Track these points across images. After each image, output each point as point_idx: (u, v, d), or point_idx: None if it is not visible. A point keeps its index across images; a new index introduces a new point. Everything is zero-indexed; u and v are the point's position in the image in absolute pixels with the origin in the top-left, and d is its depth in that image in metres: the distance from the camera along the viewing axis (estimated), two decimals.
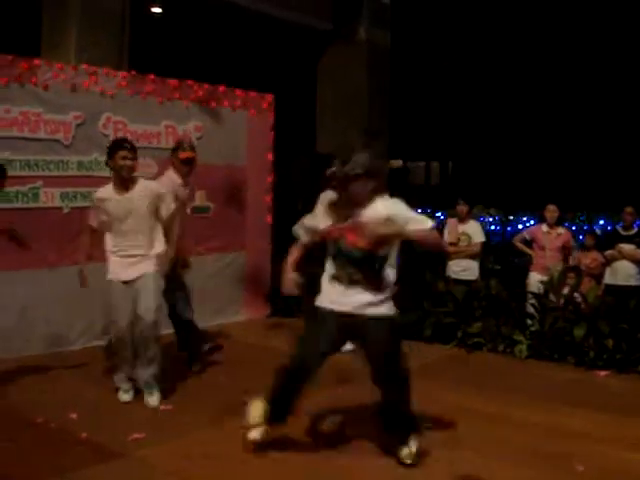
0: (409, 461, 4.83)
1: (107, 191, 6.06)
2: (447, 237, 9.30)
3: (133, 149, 6.02)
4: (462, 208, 9.27)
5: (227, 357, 7.66)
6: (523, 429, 5.66)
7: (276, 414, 4.98)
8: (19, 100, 7.33)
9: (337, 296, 4.81)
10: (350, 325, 4.79)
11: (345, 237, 4.77)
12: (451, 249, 9.21)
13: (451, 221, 9.52)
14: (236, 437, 5.29)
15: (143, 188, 6.06)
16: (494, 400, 6.33)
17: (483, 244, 9.27)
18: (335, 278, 4.83)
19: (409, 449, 4.86)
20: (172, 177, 6.87)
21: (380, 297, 4.84)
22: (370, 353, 4.86)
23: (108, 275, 6.02)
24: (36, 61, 7.65)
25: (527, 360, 7.88)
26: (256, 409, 4.99)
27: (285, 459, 4.98)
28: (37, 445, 5.13)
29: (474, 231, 9.24)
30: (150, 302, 5.95)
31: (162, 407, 5.95)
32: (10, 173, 7.16)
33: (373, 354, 4.84)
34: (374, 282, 4.81)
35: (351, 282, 4.78)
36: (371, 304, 4.79)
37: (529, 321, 8.31)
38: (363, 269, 4.76)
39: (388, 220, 4.60)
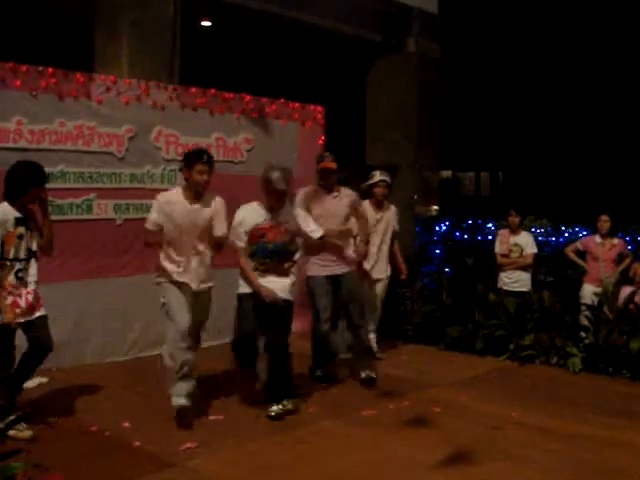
0: (274, 414, 5.94)
1: (176, 196, 5.97)
2: (498, 248, 9.21)
3: (210, 162, 5.92)
4: (514, 219, 9.17)
5: None
6: (577, 443, 5.57)
7: None
8: (73, 114, 7.45)
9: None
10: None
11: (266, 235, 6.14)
12: (503, 260, 9.12)
13: (503, 232, 9.41)
14: (288, 448, 5.32)
15: (211, 201, 6.04)
16: (547, 413, 6.24)
17: (535, 255, 9.15)
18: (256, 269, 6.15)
19: (281, 405, 6.01)
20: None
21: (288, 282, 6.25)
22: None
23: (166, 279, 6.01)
24: (90, 76, 7.78)
25: (581, 373, 7.75)
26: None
27: (336, 468, 4.97)
28: (91, 453, 5.19)
29: (526, 242, 9.13)
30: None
31: (213, 417, 5.97)
32: (64, 185, 7.36)
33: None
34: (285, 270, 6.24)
35: (266, 271, 6.15)
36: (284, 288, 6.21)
37: (583, 334, 8.18)
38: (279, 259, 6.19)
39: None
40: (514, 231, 9.20)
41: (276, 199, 6.25)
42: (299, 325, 8.32)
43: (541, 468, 5.03)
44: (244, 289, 6.22)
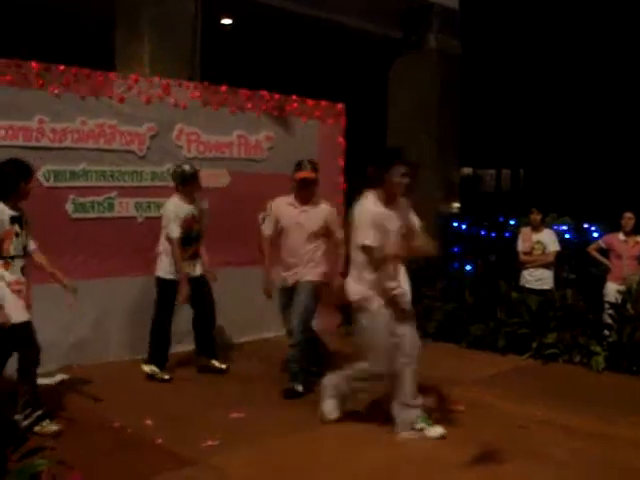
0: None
1: (374, 204, 5.44)
2: (521, 246, 9.16)
3: (412, 165, 5.55)
4: (536, 217, 9.12)
5: None
6: (601, 442, 5.53)
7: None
8: (95, 112, 7.47)
9: None
10: None
11: None
12: (525, 258, 9.07)
13: (525, 230, 9.36)
14: (309, 447, 5.31)
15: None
16: (570, 412, 6.19)
17: (557, 253, 9.09)
18: None
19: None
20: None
21: None
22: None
23: None
24: (111, 74, 7.80)
25: (604, 372, 7.69)
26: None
27: (358, 467, 4.95)
28: (113, 450, 5.21)
29: (548, 240, 9.07)
30: None
31: (234, 414, 5.97)
32: (86, 184, 7.38)
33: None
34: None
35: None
36: None
37: (606, 332, 8.11)
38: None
39: None
40: (536, 228, 9.15)
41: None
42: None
43: (565, 467, 4.99)
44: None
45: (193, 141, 8.23)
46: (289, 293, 6.79)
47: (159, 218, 7.22)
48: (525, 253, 9.10)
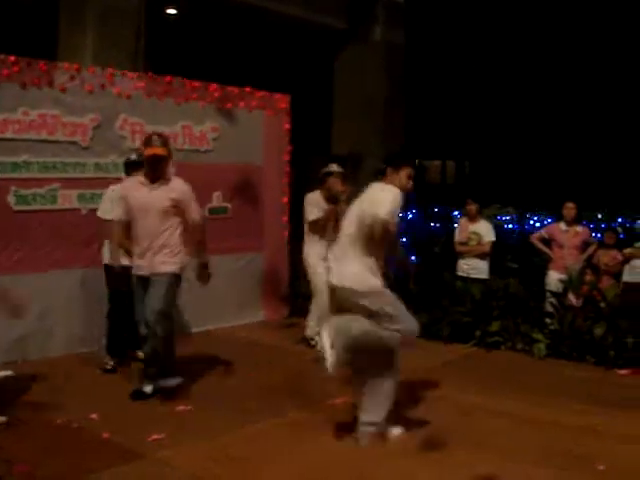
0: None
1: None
2: (457, 236, 9.31)
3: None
4: (471, 207, 9.27)
5: (246, 358, 7.64)
6: (542, 428, 5.64)
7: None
8: (37, 103, 7.35)
9: None
10: None
11: None
12: (461, 248, 9.22)
13: (462, 220, 9.52)
14: (257, 438, 5.32)
15: None
16: (513, 399, 6.30)
17: (493, 243, 9.22)
18: None
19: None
20: None
21: None
22: None
23: None
24: (54, 64, 7.68)
25: (546, 359, 7.84)
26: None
27: (307, 459, 4.99)
28: (59, 445, 5.15)
29: (484, 230, 9.21)
30: None
31: (181, 407, 5.95)
32: (28, 175, 7.26)
33: None
34: None
35: None
36: None
37: (548, 320, 8.27)
38: None
39: None
40: (473, 219, 9.28)
41: None
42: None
43: (510, 454, 5.08)
44: None
45: (137, 132, 8.14)
46: (144, 283, 6.20)
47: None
48: (461, 243, 9.24)
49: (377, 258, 5.26)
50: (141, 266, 6.21)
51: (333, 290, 5.30)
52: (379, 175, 5.55)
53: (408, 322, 5.27)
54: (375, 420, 5.25)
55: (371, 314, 5.11)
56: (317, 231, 7.91)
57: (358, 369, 5.32)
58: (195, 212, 6.31)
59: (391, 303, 5.20)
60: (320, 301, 7.44)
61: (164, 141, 6.22)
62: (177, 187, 6.25)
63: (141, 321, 6.14)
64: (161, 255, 6.15)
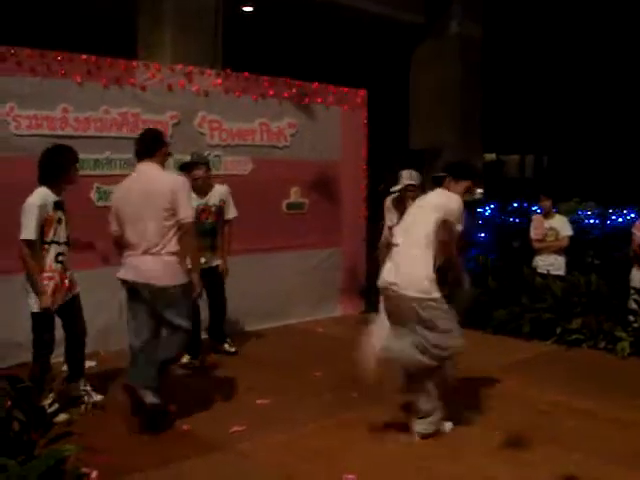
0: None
1: None
2: (533, 233, 9.17)
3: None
4: (545, 203, 9.13)
5: (321, 352, 7.67)
6: (626, 428, 5.50)
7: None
8: (117, 101, 7.50)
9: None
10: None
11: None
12: (539, 245, 9.07)
13: (537, 217, 9.37)
14: (335, 431, 5.33)
15: None
16: (595, 398, 6.14)
17: (570, 238, 9.04)
18: None
19: None
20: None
21: None
22: None
23: None
24: (133, 62, 7.82)
25: (629, 358, 7.62)
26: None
27: (384, 453, 4.97)
28: (140, 436, 5.24)
29: (561, 225, 9.04)
30: None
31: (259, 401, 5.99)
32: (110, 172, 7.40)
33: None
34: None
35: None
36: None
37: (632, 317, 8.05)
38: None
39: None
40: (547, 215, 9.14)
41: None
42: None
43: (590, 453, 4.96)
44: None
45: (215, 129, 8.23)
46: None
47: None
48: (538, 240, 9.08)
49: (438, 266, 5.19)
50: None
51: (389, 295, 5.25)
52: (437, 182, 5.48)
53: (456, 337, 5.19)
54: (426, 415, 5.21)
55: (421, 321, 5.05)
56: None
57: (408, 373, 5.28)
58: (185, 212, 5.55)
59: (443, 316, 5.12)
60: None
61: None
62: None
63: None
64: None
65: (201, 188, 7.10)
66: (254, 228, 8.26)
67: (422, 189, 7.23)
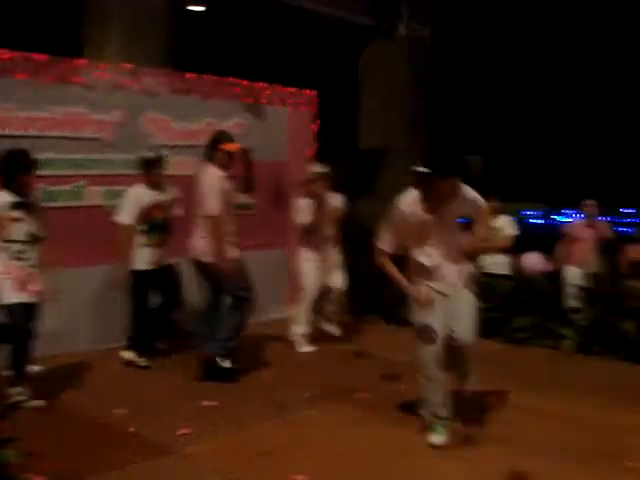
0: None
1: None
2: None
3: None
4: (491, 203, 9.23)
5: (269, 353, 7.67)
6: (575, 424, 5.58)
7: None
8: (62, 100, 7.40)
9: None
10: None
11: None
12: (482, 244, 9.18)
13: None
14: (284, 432, 5.31)
15: None
16: (543, 395, 6.23)
17: (514, 238, 9.16)
18: None
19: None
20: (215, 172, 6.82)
21: None
22: None
23: None
24: (79, 61, 7.71)
25: (575, 355, 7.77)
26: None
27: (336, 454, 4.97)
28: (86, 440, 5.17)
29: (504, 225, 9.13)
30: None
31: (206, 403, 5.94)
32: (53, 173, 7.28)
33: None
34: None
35: None
36: None
37: (576, 315, 8.17)
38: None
39: None
40: (493, 214, 9.25)
41: None
42: None
43: (539, 451, 5.03)
44: None
45: (163, 129, 8.16)
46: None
47: None
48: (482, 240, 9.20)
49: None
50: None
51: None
52: (422, 179, 5.40)
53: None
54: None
55: None
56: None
57: None
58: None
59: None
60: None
61: None
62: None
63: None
64: None
65: (158, 184, 7.11)
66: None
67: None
